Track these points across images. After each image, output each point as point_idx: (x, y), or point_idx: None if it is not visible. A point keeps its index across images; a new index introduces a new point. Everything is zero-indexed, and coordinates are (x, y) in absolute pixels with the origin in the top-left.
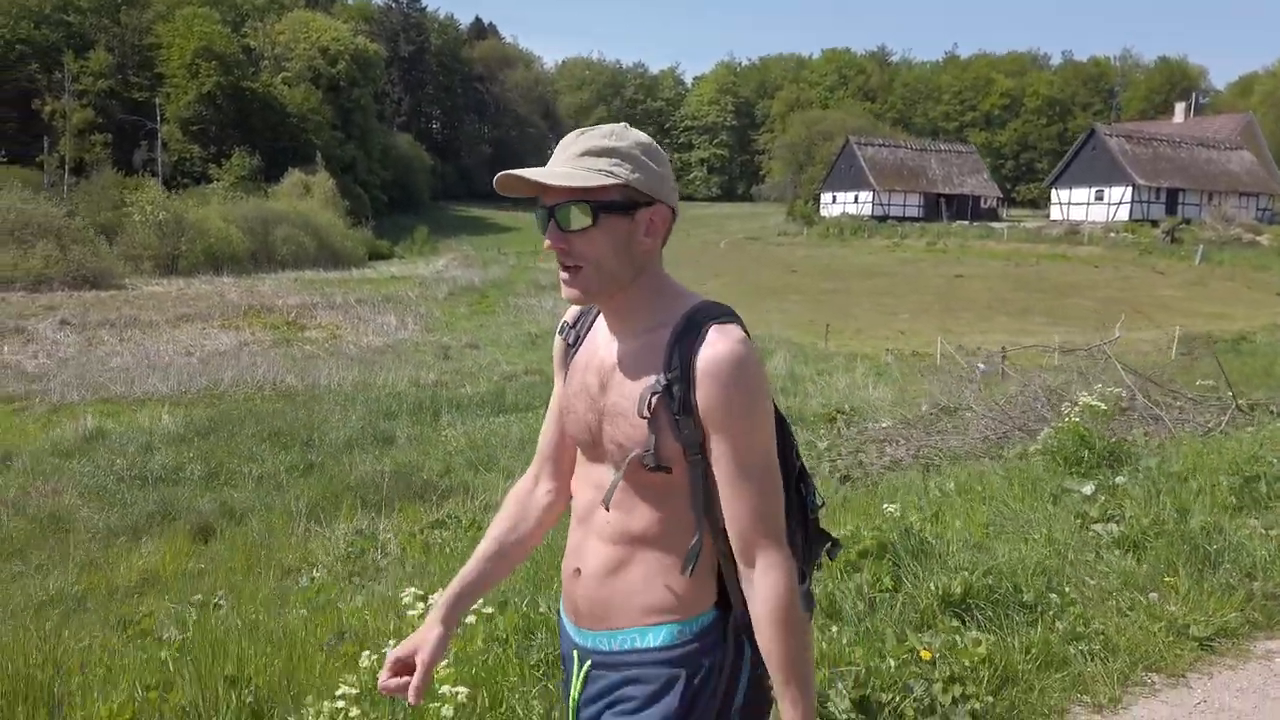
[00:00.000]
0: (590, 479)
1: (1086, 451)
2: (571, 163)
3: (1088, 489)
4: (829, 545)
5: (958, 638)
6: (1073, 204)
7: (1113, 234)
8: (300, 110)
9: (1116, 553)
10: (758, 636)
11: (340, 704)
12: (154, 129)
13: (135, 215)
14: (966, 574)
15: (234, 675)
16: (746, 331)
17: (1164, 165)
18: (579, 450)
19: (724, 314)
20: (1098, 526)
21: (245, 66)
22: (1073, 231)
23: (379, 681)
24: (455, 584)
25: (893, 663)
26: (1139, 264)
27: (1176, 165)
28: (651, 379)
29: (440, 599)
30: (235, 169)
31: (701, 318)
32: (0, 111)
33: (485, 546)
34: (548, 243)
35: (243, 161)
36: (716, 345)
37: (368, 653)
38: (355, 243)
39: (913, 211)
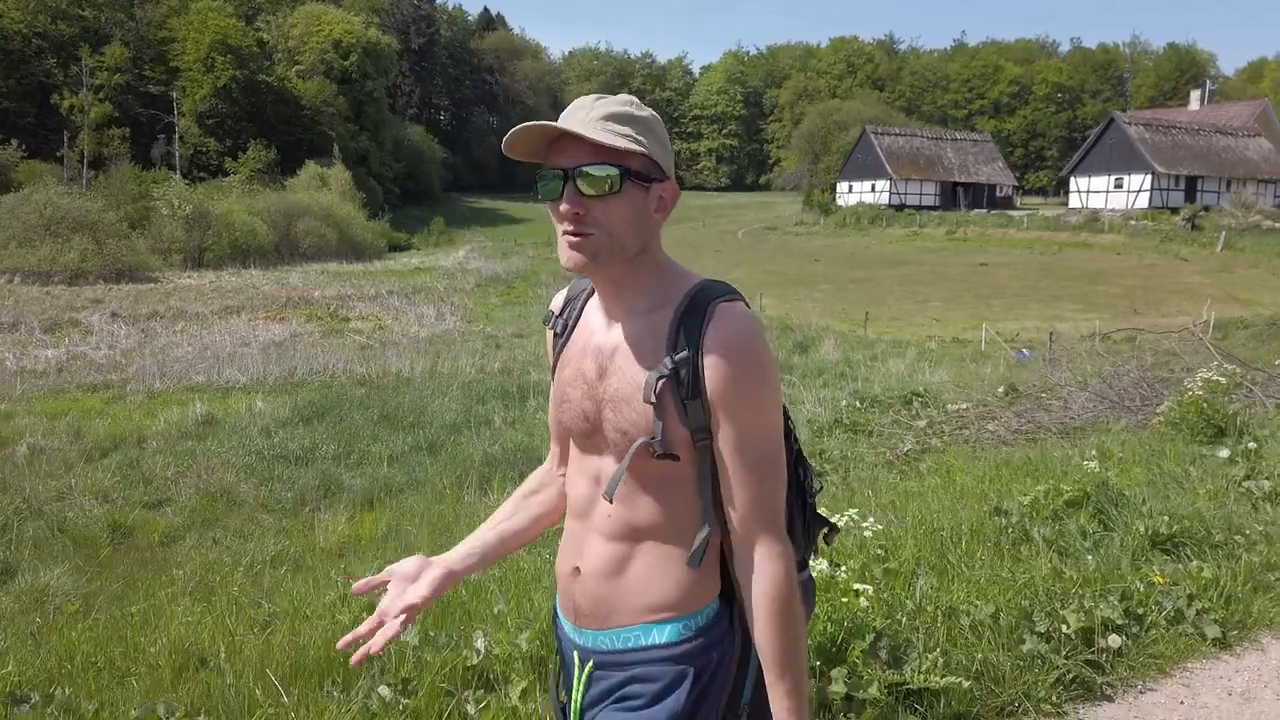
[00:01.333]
0: (587, 471)
1: (1205, 422)
2: (594, 125)
3: (1223, 453)
4: (826, 530)
5: (1179, 566)
6: (1091, 192)
7: (1133, 221)
8: (314, 103)
9: (1268, 505)
10: (753, 626)
11: None
12: (171, 123)
13: (163, 209)
14: (1166, 518)
15: None
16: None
17: (1183, 153)
18: (573, 442)
19: (728, 292)
20: (1249, 483)
21: (259, 60)
22: (1093, 219)
23: (355, 586)
24: (457, 550)
25: (1140, 584)
26: (1161, 251)
27: (1195, 153)
28: (656, 362)
29: (437, 560)
30: (251, 162)
31: (706, 296)
32: (18, 106)
33: (495, 519)
34: (565, 207)
35: (259, 154)
36: (726, 323)
37: None
38: (374, 234)
39: (929, 200)
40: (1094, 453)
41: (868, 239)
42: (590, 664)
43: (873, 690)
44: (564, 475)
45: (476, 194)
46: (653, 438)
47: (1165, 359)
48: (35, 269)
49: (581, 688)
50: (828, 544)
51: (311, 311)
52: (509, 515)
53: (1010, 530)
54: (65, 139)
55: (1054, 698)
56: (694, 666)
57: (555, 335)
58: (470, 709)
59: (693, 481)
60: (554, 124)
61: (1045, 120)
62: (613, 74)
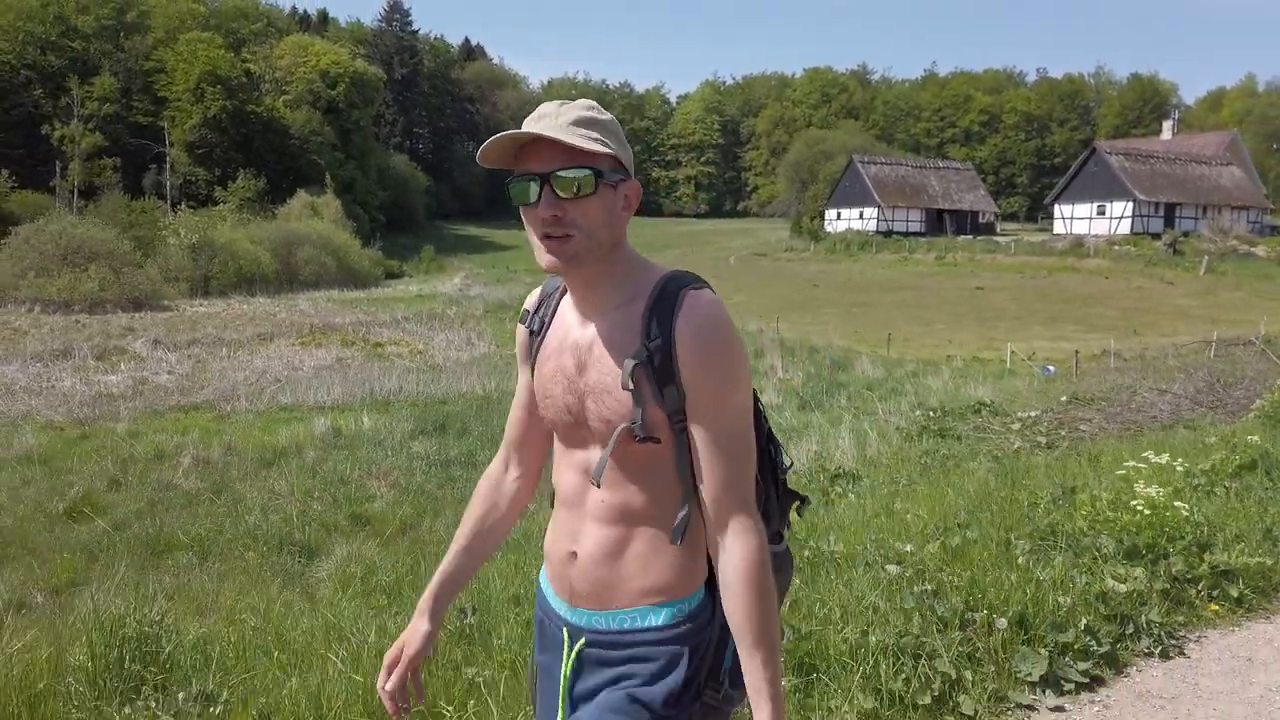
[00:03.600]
0: (574, 463)
1: None
2: (565, 130)
3: None
4: (798, 503)
5: None
6: (1075, 219)
7: (1116, 247)
8: (302, 132)
9: None
10: (725, 601)
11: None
12: (161, 152)
13: (170, 239)
14: None
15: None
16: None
17: (1161, 181)
18: (557, 436)
19: (695, 280)
20: None
21: (248, 90)
22: (1078, 245)
23: (379, 686)
24: (435, 579)
25: None
26: (1146, 275)
27: (1173, 181)
28: (632, 351)
29: (423, 596)
30: (241, 191)
31: (675, 286)
32: (7, 137)
33: (461, 539)
34: (543, 211)
35: (248, 184)
36: (694, 310)
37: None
38: (371, 262)
39: (915, 227)
40: (1213, 440)
41: (860, 264)
42: (581, 641)
43: (1203, 569)
44: (517, 479)
45: (460, 221)
46: (633, 423)
47: (1229, 366)
48: (54, 298)
49: (571, 662)
50: (800, 515)
51: (344, 337)
52: (460, 552)
53: (1200, 486)
54: (58, 170)
55: None
56: (687, 646)
57: (531, 334)
58: None
59: (673, 463)
60: (545, 129)
61: (1015, 148)
62: None
